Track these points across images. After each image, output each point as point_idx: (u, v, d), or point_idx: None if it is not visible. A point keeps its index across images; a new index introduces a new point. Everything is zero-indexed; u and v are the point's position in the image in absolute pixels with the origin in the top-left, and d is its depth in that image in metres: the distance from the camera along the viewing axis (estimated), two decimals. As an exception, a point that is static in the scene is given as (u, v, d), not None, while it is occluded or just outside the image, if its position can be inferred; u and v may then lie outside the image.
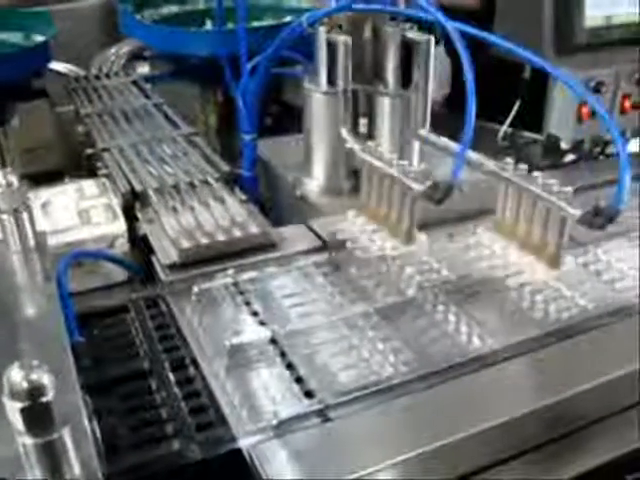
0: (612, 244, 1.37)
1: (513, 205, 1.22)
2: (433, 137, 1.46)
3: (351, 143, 1.36)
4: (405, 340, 1.11)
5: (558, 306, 1.19)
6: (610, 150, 1.81)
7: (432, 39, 1.43)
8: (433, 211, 1.25)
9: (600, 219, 1.07)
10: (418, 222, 1.29)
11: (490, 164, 1.26)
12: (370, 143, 1.31)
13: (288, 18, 2.24)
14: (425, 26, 1.43)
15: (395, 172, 1.21)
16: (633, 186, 1.60)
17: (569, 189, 1.12)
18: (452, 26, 1.19)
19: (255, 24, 2.23)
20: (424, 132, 1.47)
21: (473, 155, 1.29)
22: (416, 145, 1.47)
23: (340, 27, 1.40)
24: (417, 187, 1.17)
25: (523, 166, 1.20)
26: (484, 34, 1.20)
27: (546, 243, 1.17)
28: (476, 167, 1.29)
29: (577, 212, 1.08)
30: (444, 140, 1.43)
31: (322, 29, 1.38)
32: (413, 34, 1.43)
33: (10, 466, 0.71)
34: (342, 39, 1.37)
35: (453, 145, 1.35)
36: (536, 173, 1.18)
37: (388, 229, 1.27)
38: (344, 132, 1.40)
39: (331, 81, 1.41)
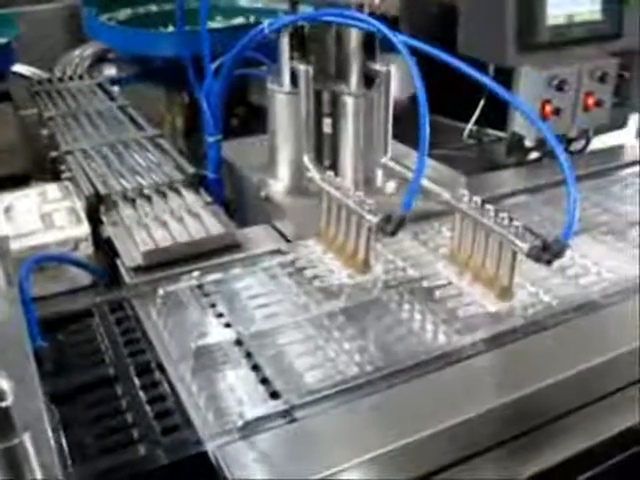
0: (576, 241, 1.39)
1: (467, 235, 1.23)
2: (392, 164, 1.47)
3: (312, 172, 1.37)
4: (371, 339, 1.12)
5: (523, 302, 1.20)
6: (574, 147, 1.83)
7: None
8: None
9: (547, 254, 1.08)
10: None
11: (446, 195, 1.27)
12: (330, 173, 1.32)
13: (241, 19, 2.26)
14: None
15: (351, 203, 1.23)
16: (593, 183, 1.64)
17: (519, 223, 1.13)
18: (400, 40, 1.20)
19: (216, 25, 2.24)
20: (385, 160, 1.48)
21: (429, 185, 1.30)
22: (380, 144, 1.46)
23: (302, 28, 1.40)
24: (371, 219, 1.18)
25: (476, 198, 1.21)
26: (431, 49, 1.20)
27: (498, 275, 1.18)
28: (432, 197, 1.30)
29: (525, 246, 1.09)
30: (403, 169, 1.44)
31: (284, 31, 1.38)
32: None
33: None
34: (303, 68, 1.39)
35: (410, 175, 1.35)
36: (488, 206, 1.19)
37: (345, 258, 1.28)
38: (306, 159, 1.40)
39: (294, 81, 1.41)
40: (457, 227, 1.25)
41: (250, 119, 2.16)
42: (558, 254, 1.08)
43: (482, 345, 1.10)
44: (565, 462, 1.01)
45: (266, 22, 1.38)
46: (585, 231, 1.42)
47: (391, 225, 1.15)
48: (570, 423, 1.05)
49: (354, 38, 1.39)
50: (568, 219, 1.07)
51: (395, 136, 1.52)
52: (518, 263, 1.16)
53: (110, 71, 2.53)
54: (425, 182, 1.27)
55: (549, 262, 1.09)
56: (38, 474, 0.71)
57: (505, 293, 1.18)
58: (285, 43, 1.39)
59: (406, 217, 1.15)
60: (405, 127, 1.54)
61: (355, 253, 1.26)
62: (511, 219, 1.14)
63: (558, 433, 1.04)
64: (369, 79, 1.42)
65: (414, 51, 1.91)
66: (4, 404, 0.66)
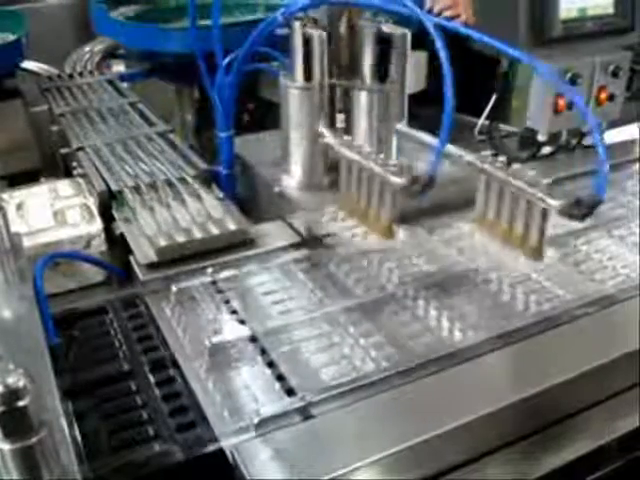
0: (591, 236, 1.38)
1: (493, 198, 1.22)
2: (411, 131, 1.45)
3: (329, 137, 1.35)
4: (386, 335, 1.11)
5: (539, 297, 1.20)
6: (587, 142, 1.81)
7: (408, 33, 1.42)
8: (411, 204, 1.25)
9: (581, 209, 1.06)
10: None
11: (469, 156, 1.25)
12: (348, 137, 1.30)
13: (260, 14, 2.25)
14: (401, 20, 1.43)
15: (374, 166, 1.20)
16: (609, 177, 1.62)
17: (548, 180, 1.12)
18: (431, 21, 1.19)
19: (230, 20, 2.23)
20: (402, 126, 1.46)
21: (451, 147, 1.28)
22: (394, 141, 1.46)
23: (315, 21, 1.39)
24: (397, 181, 1.16)
25: (501, 158, 1.20)
26: (464, 29, 1.20)
27: (528, 235, 1.17)
28: (455, 159, 1.28)
29: (557, 203, 1.08)
30: (421, 134, 1.43)
31: (297, 24, 1.38)
32: (389, 28, 1.42)
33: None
34: (317, 33, 1.37)
35: (430, 139, 1.34)
36: (515, 165, 1.18)
37: (368, 224, 1.26)
38: (321, 126, 1.39)
39: (307, 76, 1.40)
40: (482, 190, 1.23)
41: (261, 114, 2.15)
42: (592, 208, 1.06)
43: (497, 342, 1.10)
44: (577, 461, 1.01)
45: (279, 11, 1.37)
46: (600, 226, 1.41)
47: (418, 186, 1.13)
48: (583, 421, 1.04)
49: (367, 32, 1.38)
50: (600, 171, 1.05)
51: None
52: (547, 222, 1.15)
53: (119, 67, 2.53)
54: (448, 145, 1.24)
55: (583, 217, 1.07)
56: (56, 474, 0.71)
57: (536, 252, 1.16)
58: (298, 37, 1.38)
59: (434, 179, 1.12)
60: (417, 121, 1.54)
61: (378, 219, 1.24)
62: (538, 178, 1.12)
63: (571, 431, 1.03)
64: (382, 74, 1.41)
65: (426, 46, 1.92)
66: (22, 403, 0.66)
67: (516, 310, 1.17)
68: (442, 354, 1.06)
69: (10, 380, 0.66)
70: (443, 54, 1.15)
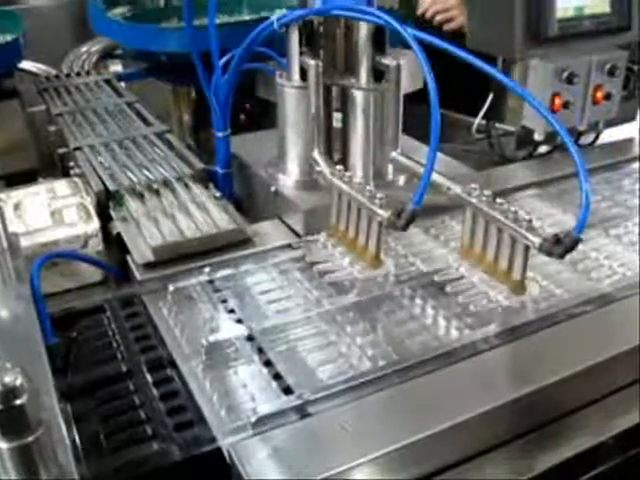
0: (587, 234, 1.38)
1: (479, 230, 1.22)
2: (402, 159, 1.46)
3: (322, 166, 1.36)
4: (383, 334, 1.11)
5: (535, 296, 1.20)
6: (583, 141, 1.82)
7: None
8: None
9: (560, 248, 1.07)
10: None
11: (457, 189, 1.26)
12: (340, 167, 1.32)
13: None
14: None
15: (362, 198, 1.22)
16: (604, 176, 1.63)
17: (530, 217, 1.13)
18: (410, 34, 1.19)
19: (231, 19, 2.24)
20: (396, 154, 1.47)
21: (440, 179, 1.29)
22: (390, 138, 1.46)
23: (311, 22, 1.39)
24: (382, 214, 1.17)
25: (487, 192, 1.20)
26: (441, 42, 1.20)
27: (512, 269, 1.17)
28: (442, 191, 1.29)
29: (537, 240, 1.09)
30: (413, 164, 1.43)
31: (293, 25, 1.38)
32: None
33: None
34: (313, 63, 1.38)
35: (421, 169, 1.34)
36: (500, 200, 1.18)
37: (356, 253, 1.28)
38: (316, 153, 1.39)
39: (303, 76, 1.41)
40: (468, 221, 1.24)
41: (258, 114, 2.15)
42: (571, 248, 1.07)
43: (494, 340, 1.10)
44: (574, 458, 1.00)
45: (274, 16, 1.38)
46: (596, 225, 1.41)
47: (402, 220, 1.15)
48: (580, 418, 1.04)
49: (363, 32, 1.38)
50: (581, 213, 1.06)
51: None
52: (530, 257, 1.15)
53: (116, 67, 2.53)
54: (436, 176, 1.26)
55: (562, 256, 1.08)
56: (53, 472, 0.71)
57: (518, 287, 1.17)
58: (294, 37, 1.38)
59: (417, 212, 1.14)
60: (412, 122, 1.54)
61: (366, 248, 1.26)
62: (521, 213, 1.14)
63: (568, 429, 1.03)
64: (378, 73, 1.42)
65: (422, 45, 1.92)
66: (19, 401, 0.66)
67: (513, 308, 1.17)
68: (439, 353, 1.07)
69: (7, 379, 0.66)
70: (426, 68, 1.15)
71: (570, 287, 1.23)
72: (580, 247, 1.31)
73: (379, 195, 1.19)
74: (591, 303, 1.19)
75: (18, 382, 0.66)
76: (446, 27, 2.24)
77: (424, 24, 2.24)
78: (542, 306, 1.17)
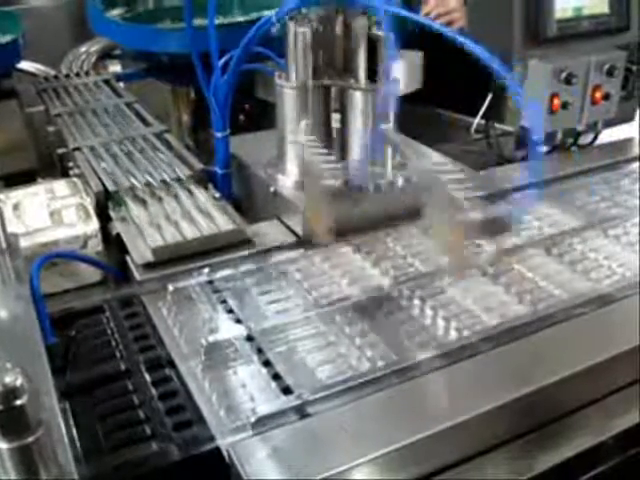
0: (587, 235, 1.39)
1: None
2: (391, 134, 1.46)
3: (301, 136, 1.36)
4: (382, 334, 1.11)
5: (533, 297, 1.20)
6: (582, 141, 1.82)
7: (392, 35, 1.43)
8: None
9: (494, 228, 1.06)
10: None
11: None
12: (312, 138, 1.31)
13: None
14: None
15: (313, 166, 1.21)
16: (602, 177, 1.63)
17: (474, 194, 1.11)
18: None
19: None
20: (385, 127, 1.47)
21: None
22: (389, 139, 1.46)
23: (309, 20, 1.39)
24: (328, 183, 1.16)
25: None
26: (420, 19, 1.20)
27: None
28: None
29: (477, 217, 1.07)
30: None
31: (292, 23, 1.38)
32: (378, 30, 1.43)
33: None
34: (302, 30, 1.38)
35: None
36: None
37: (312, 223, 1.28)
38: (303, 124, 1.39)
39: (302, 76, 1.41)
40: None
41: (257, 114, 2.15)
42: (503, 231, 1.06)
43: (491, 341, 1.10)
44: (574, 458, 1.00)
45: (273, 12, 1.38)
46: (595, 225, 1.41)
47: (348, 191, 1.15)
48: (581, 418, 1.04)
49: (362, 32, 1.38)
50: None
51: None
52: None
53: (115, 67, 2.53)
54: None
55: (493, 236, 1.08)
56: (53, 472, 0.71)
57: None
58: (292, 35, 1.38)
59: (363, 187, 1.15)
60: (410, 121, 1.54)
61: (319, 220, 1.24)
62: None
63: (569, 429, 1.03)
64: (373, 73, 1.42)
65: (422, 46, 1.93)
66: (19, 402, 0.66)
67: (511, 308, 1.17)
68: (438, 352, 1.07)
69: (7, 379, 0.66)
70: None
71: (569, 287, 1.23)
72: (579, 247, 1.33)
73: (332, 165, 1.19)
74: (590, 303, 1.19)
75: (18, 382, 0.66)
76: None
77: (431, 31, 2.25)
78: (540, 307, 1.18)
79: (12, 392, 0.66)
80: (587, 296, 1.20)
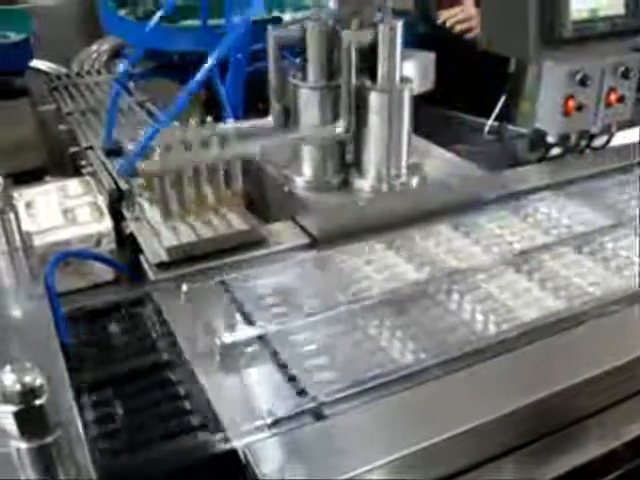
0: (618, 233, 1.38)
1: None
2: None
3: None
4: (395, 335, 1.11)
5: (569, 293, 1.20)
6: (596, 143, 1.81)
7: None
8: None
9: None
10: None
11: None
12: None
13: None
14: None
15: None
16: (620, 179, 1.62)
17: None
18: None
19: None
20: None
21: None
22: (405, 139, 1.45)
23: (327, 22, 1.39)
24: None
25: None
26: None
27: None
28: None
29: None
30: None
31: (311, 24, 1.38)
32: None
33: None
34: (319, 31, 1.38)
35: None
36: None
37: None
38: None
39: (319, 76, 1.40)
40: None
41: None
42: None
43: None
44: (589, 464, 1.00)
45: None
46: (625, 224, 1.41)
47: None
48: (595, 424, 1.04)
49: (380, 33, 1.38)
50: None
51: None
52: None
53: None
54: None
55: None
56: (71, 472, 0.71)
57: None
58: (311, 37, 1.38)
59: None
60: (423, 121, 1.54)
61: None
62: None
63: (583, 434, 1.03)
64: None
65: (433, 46, 1.92)
66: (39, 402, 0.65)
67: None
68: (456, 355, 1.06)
69: (27, 379, 0.65)
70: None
71: (604, 285, 1.22)
72: (610, 245, 1.32)
73: None
74: (622, 301, 1.18)
75: (38, 382, 0.66)
76: (466, 36, 2.27)
77: (444, 33, 2.27)
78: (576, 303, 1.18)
79: (32, 392, 0.65)
80: (620, 294, 1.20)
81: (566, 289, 1.22)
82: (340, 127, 1.40)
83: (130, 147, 1.35)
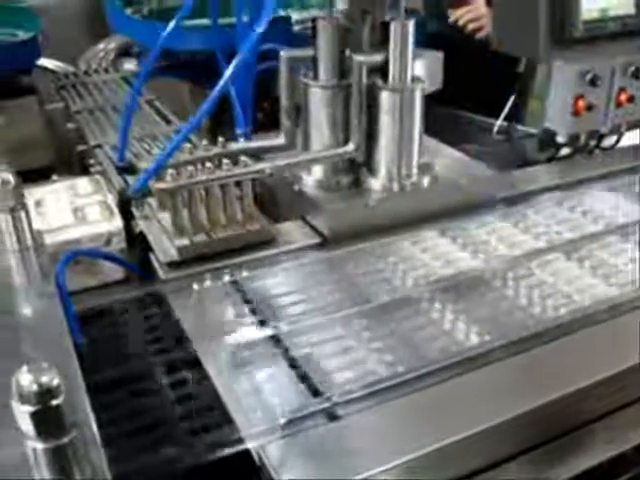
0: (608, 239, 1.38)
1: None
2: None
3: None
4: (405, 337, 1.11)
5: (555, 302, 1.19)
6: (605, 143, 1.81)
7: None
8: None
9: None
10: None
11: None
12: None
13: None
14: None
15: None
16: (626, 180, 1.62)
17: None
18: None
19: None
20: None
21: None
22: (416, 139, 1.45)
23: (338, 20, 1.38)
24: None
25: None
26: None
27: None
28: None
29: None
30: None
31: (322, 23, 1.37)
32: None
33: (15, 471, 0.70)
34: (330, 29, 1.38)
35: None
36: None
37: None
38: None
39: (330, 75, 1.40)
40: None
41: (276, 113, 2.14)
42: None
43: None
44: (598, 467, 0.99)
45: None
46: (618, 229, 1.41)
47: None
48: (600, 428, 1.03)
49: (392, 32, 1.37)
50: None
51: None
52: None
53: (131, 65, 2.52)
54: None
55: None
56: (86, 472, 0.70)
57: None
58: (321, 36, 1.37)
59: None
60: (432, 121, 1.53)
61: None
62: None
63: (592, 437, 1.02)
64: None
65: (441, 46, 1.92)
66: (55, 402, 0.65)
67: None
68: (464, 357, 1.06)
69: (44, 379, 0.65)
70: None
71: (593, 292, 1.22)
72: (597, 253, 1.32)
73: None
74: (615, 309, 1.18)
75: (55, 382, 0.65)
76: (478, 35, 2.27)
77: (456, 32, 2.27)
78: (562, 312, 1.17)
79: (49, 392, 0.65)
80: (611, 302, 1.19)
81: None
82: (351, 147, 1.40)
83: (143, 166, 1.35)
